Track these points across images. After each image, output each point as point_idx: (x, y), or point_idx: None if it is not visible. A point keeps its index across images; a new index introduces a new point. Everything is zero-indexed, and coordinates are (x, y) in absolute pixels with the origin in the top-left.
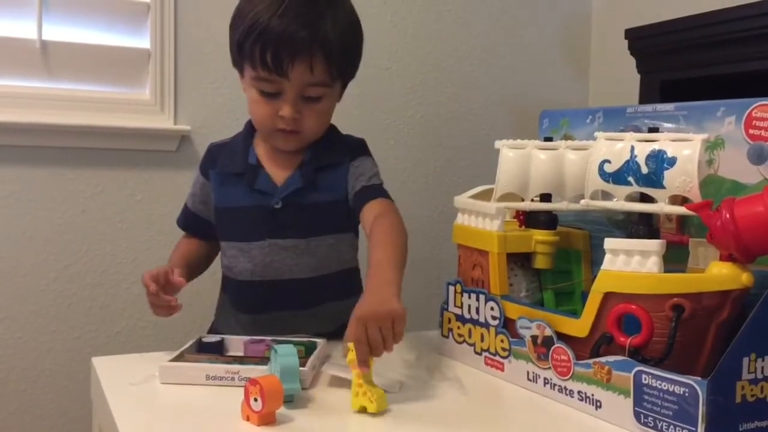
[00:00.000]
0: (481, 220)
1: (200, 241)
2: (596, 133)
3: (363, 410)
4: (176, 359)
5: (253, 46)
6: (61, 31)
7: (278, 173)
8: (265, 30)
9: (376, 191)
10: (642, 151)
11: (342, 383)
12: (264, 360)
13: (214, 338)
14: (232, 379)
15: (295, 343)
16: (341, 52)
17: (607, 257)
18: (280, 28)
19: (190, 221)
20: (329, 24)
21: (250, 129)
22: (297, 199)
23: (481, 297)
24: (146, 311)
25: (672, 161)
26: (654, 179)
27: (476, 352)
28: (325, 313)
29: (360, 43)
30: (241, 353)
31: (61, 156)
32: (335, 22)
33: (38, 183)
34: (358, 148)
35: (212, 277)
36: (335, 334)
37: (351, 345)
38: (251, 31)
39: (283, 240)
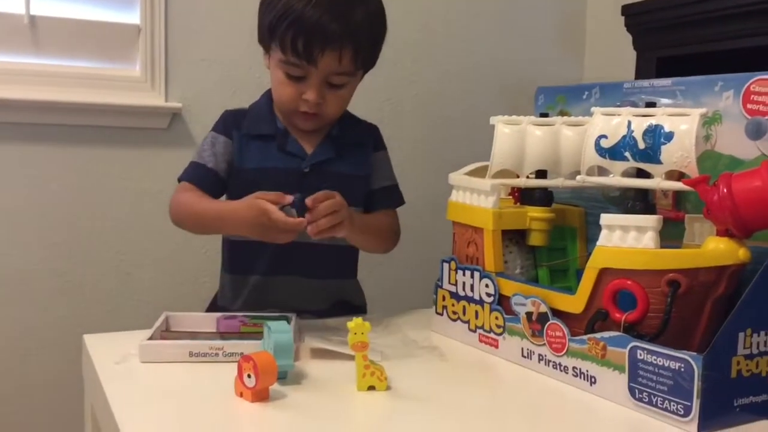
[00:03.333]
0: (476, 197)
1: None
2: (593, 109)
3: (371, 389)
4: (152, 337)
5: (286, 31)
6: (49, 6)
7: (304, 141)
8: (298, 18)
9: (394, 197)
10: (639, 126)
11: (325, 355)
12: (242, 335)
13: (181, 315)
14: (216, 355)
15: (267, 318)
16: (369, 44)
17: (603, 233)
18: (314, 19)
19: (209, 178)
20: (360, 16)
21: (269, 99)
22: (325, 167)
23: (476, 274)
24: (138, 289)
25: (669, 136)
26: (651, 154)
27: (471, 330)
28: (326, 287)
29: (385, 33)
30: (213, 330)
31: (50, 133)
32: (366, 14)
33: (28, 160)
34: (378, 135)
35: (206, 252)
36: (327, 312)
37: (353, 327)
38: (284, 17)
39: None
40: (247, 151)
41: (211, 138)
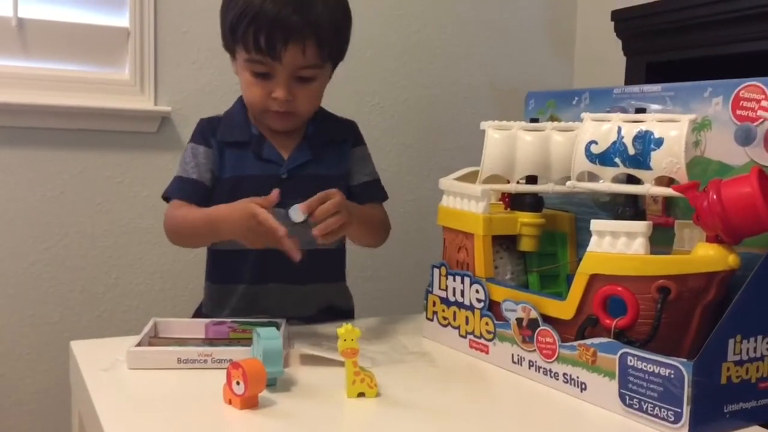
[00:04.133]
0: (467, 203)
1: None
2: (583, 114)
3: (361, 396)
4: (141, 344)
5: (247, 29)
6: (37, 9)
7: (281, 145)
8: (258, 14)
9: (377, 191)
10: (629, 132)
11: (314, 362)
12: (230, 342)
13: (169, 320)
14: (205, 361)
15: (256, 324)
16: (332, 35)
17: (594, 239)
18: (273, 12)
19: (196, 191)
20: (320, 8)
21: (243, 105)
22: (303, 171)
23: (466, 279)
24: (127, 295)
25: (659, 142)
26: (641, 160)
27: (461, 335)
28: (313, 293)
29: (350, 25)
30: (202, 336)
31: (38, 137)
32: (326, 5)
33: (15, 164)
34: (357, 131)
35: (195, 257)
36: (314, 318)
37: (342, 333)
38: (244, 14)
39: (284, 209)
40: (224, 159)
41: (191, 149)
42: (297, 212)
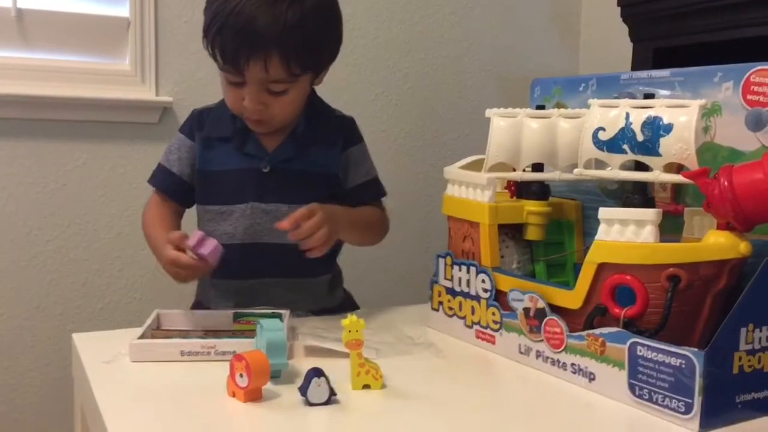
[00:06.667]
0: (472, 191)
1: (177, 208)
2: (590, 101)
3: (366, 388)
4: (143, 336)
5: (214, 39)
6: None
7: (267, 138)
8: (224, 25)
9: (373, 190)
10: (637, 118)
11: (319, 354)
12: (234, 334)
13: (172, 312)
14: (208, 353)
15: (259, 316)
16: (301, 50)
17: (602, 227)
18: (238, 26)
19: (174, 186)
20: (290, 21)
21: None
22: (286, 166)
23: (472, 269)
24: (130, 287)
25: (668, 128)
26: (650, 147)
27: (467, 326)
28: (302, 287)
29: (330, 33)
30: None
31: (39, 128)
32: (297, 17)
33: (17, 156)
34: (352, 130)
35: None
36: (315, 313)
37: (347, 325)
38: (213, 23)
39: (266, 204)
40: (209, 153)
41: (178, 140)
42: (315, 392)
